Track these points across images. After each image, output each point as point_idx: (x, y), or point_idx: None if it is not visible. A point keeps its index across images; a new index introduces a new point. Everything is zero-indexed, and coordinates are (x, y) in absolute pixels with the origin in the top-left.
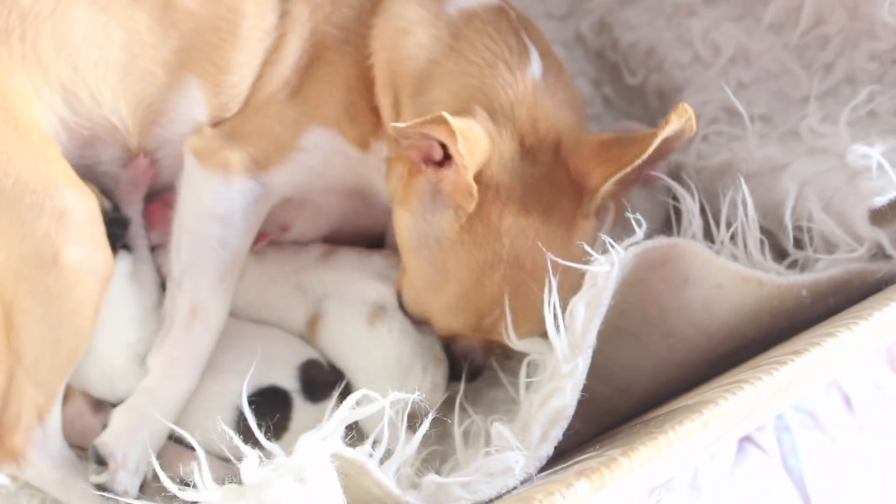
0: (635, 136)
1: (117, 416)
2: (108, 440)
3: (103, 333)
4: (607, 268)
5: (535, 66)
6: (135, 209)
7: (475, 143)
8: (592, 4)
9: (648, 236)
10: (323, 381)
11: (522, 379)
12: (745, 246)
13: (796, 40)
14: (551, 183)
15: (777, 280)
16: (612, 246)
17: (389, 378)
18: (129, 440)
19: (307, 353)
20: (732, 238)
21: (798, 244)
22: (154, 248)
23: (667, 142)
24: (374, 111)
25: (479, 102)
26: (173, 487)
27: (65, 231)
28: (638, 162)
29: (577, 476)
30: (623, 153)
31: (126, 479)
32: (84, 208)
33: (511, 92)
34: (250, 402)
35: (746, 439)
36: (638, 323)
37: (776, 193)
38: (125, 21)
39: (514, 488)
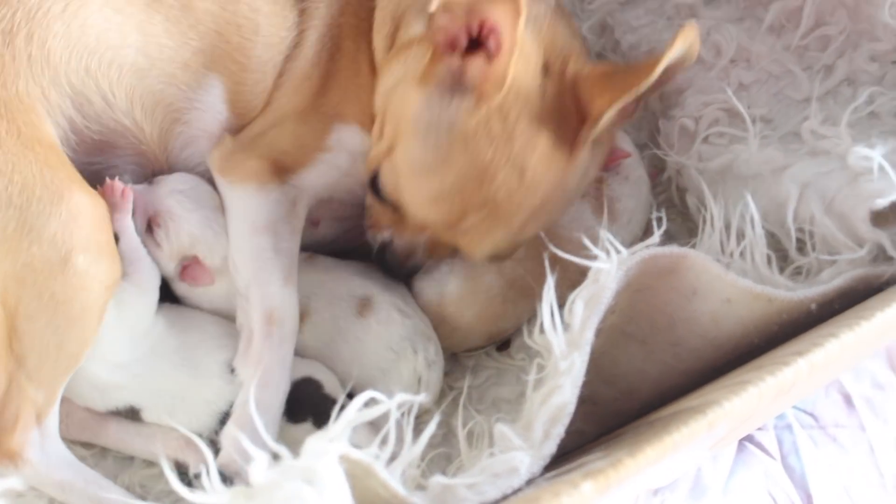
0: (639, 64)
1: (231, 436)
2: (232, 460)
3: (92, 351)
4: (608, 266)
5: None
6: (126, 234)
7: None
8: (593, 6)
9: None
10: (310, 402)
11: (531, 377)
12: (753, 259)
13: (797, 42)
14: (561, 103)
15: (787, 296)
16: (612, 245)
17: (383, 363)
18: (244, 455)
19: (308, 369)
20: (741, 254)
21: (799, 244)
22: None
23: (670, 69)
24: None
25: None
26: (184, 491)
27: (72, 237)
28: (641, 89)
29: (584, 477)
30: (626, 80)
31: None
32: (91, 214)
33: (539, 7)
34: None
35: (747, 439)
36: (645, 330)
37: (777, 195)
38: (141, 23)
39: (520, 489)
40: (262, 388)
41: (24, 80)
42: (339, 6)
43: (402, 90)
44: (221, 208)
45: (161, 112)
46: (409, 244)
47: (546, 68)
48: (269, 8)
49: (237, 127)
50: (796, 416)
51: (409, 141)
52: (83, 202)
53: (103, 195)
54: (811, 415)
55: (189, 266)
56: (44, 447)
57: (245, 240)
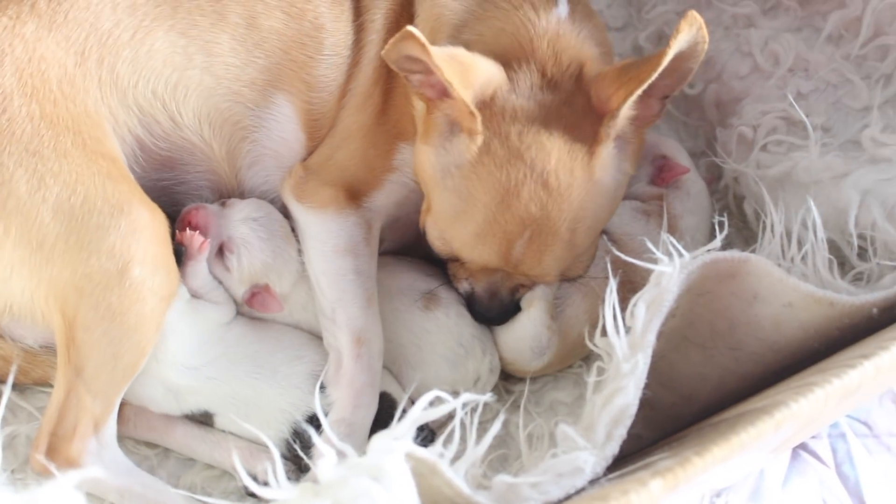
0: (651, 56)
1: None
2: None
3: (164, 355)
4: (669, 269)
5: (562, 8)
6: (200, 276)
7: (467, 66)
8: (650, 15)
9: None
10: (385, 417)
11: (591, 380)
12: (814, 264)
13: (856, 51)
14: (572, 108)
15: (849, 300)
16: (675, 249)
17: (451, 356)
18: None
19: (383, 384)
20: (803, 258)
21: (859, 251)
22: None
23: (683, 59)
24: None
25: (501, 40)
26: (254, 486)
27: (129, 250)
28: (653, 76)
29: (652, 475)
30: (640, 72)
31: None
32: (150, 227)
33: (532, 28)
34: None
35: (801, 447)
36: (705, 334)
37: (838, 201)
38: (207, 44)
39: (583, 489)
40: (354, 409)
41: (92, 100)
42: (395, 18)
43: (417, 150)
44: (290, 236)
45: (229, 130)
46: (488, 286)
47: (552, 82)
48: (332, 25)
49: (310, 147)
50: (850, 424)
51: (435, 194)
52: (142, 216)
53: (181, 241)
54: (865, 423)
55: (259, 293)
56: (101, 455)
57: (329, 262)
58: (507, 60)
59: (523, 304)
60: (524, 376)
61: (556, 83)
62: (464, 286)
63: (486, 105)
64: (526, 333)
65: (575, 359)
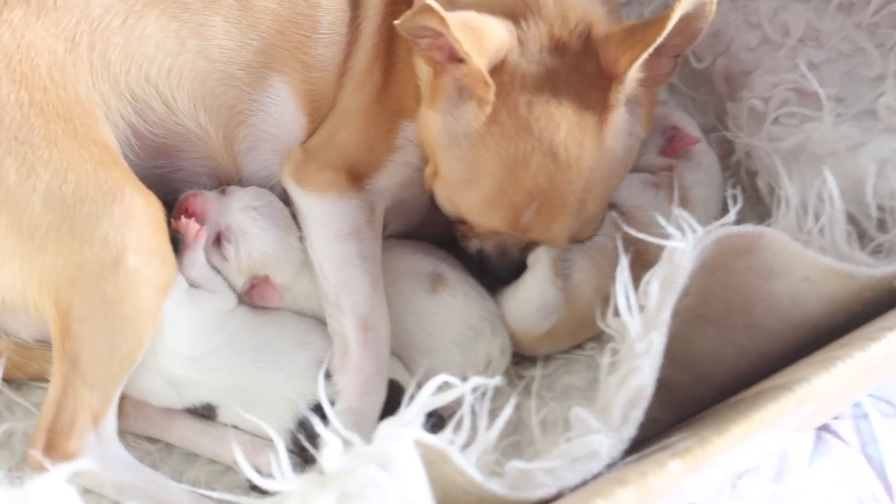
0: (657, 17)
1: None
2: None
3: (162, 346)
4: (682, 245)
5: None
6: (198, 266)
7: (481, 32)
8: None
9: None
10: (394, 405)
11: (604, 361)
12: (833, 236)
13: (868, 19)
14: (581, 73)
15: (869, 273)
16: (687, 224)
17: (459, 339)
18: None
19: (391, 371)
20: (820, 231)
21: (878, 223)
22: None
23: (691, 20)
24: None
25: (504, 2)
26: (258, 479)
27: (123, 238)
28: (659, 40)
29: (671, 456)
30: (646, 34)
31: None
32: (144, 215)
33: None
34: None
35: (824, 428)
36: (721, 312)
37: (854, 172)
38: (200, 27)
39: (599, 474)
40: (362, 397)
41: (84, 86)
42: None
43: (423, 115)
44: (292, 226)
45: (225, 114)
46: (498, 245)
47: (560, 44)
48: (328, 3)
49: (310, 130)
50: (874, 404)
51: (443, 160)
52: (136, 203)
53: (176, 229)
54: (889, 403)
55: (258, 285)
56: (101, 450)
57: (332, 247)
58: (514, 19)
59: (528, 263)
60: (535, 353)
61: (564, 45)
62: (473, 244)
63: (497, 70)
64: (532, 293)
65: (585, 332)
